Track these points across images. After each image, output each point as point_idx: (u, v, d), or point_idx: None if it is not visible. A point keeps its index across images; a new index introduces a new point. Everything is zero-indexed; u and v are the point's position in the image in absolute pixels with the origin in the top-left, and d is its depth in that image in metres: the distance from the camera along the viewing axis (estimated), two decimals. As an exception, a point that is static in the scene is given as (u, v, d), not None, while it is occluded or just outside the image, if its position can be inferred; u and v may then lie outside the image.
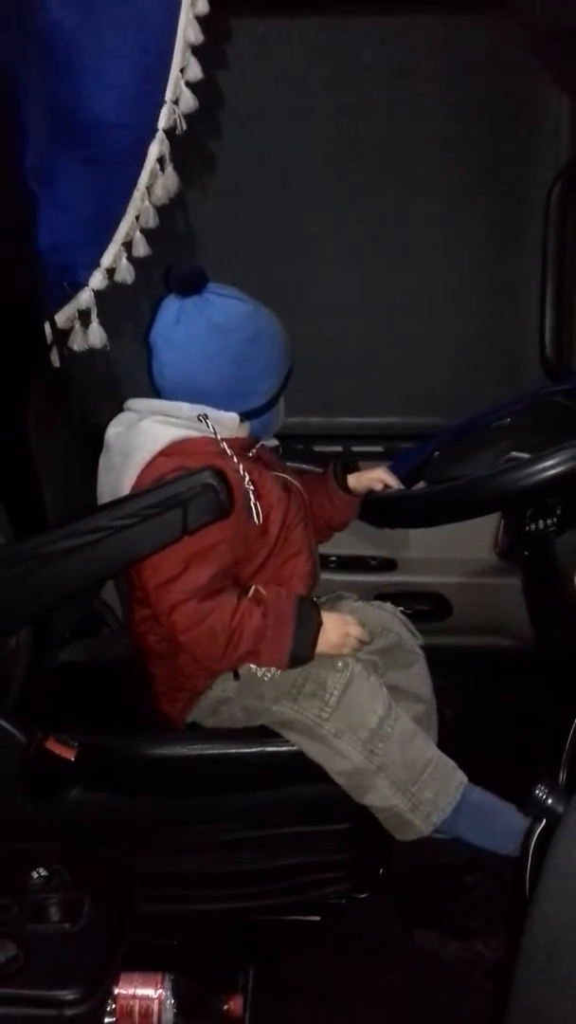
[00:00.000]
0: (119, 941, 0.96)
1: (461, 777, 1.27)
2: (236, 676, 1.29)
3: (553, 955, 0.74)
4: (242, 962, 1.38)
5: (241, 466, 1.27)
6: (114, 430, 1.33)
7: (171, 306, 1.31)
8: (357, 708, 1.24)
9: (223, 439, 1.28)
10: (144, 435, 1.28)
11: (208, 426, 1.28)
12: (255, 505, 1.27)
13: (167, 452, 1.25)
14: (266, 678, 1.27)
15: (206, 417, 1.28)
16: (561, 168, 1.81)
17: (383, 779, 1.24)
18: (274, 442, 1.49)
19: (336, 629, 1.26)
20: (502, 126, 1.85)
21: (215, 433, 1.28)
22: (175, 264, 1.32)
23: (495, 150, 1.86)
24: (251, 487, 1.28)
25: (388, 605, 1.46)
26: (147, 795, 1.32)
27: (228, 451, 1.27)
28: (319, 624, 1.24)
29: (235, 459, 1.27)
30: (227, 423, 1.29)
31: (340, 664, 1.25)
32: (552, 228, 1.81)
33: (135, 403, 1.35)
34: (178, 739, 1.32)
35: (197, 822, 1.35)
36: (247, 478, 1.27)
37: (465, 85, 1.83)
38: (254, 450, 1.37)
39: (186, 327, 1.29)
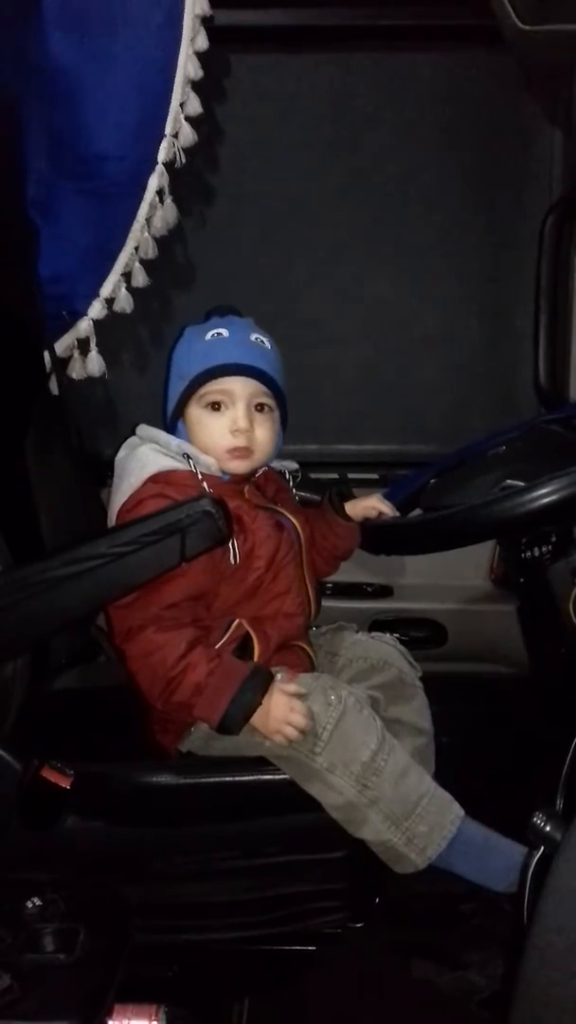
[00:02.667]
0: (114, 972, 0.96)
1: (457, 811, 1.25)
2: None
3: (552, 983, 0.74)
4: (237, 993, 1.37)
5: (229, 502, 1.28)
6: (120, 453, 1.35)
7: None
8: (350, 742, 1.22)
9: (203, 475, 1.29)
10: (138, 461, 1.30)
11: (190, 463, 1.29)
12: (232, 544, 1.27)
13: (155, 479, 1.27)
14: None
15: (187, 457, 1.30)
16: (554, 200, 1.84)
17: (376, 813, 1.22)
18: (293, 466, 1.47)
19: (278, 713, 1.21)
20: (496, 159, 1.88)
21: (195, 469, 1.29)
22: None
23: (490, 183, 1.89)
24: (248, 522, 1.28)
25: (389, 637, 1.45)
26: (142, 823, 1.31)
27: (207, 488, 1.28)
28: (258, 703, 1.20)
29: (211, 492, 1.28)
30: (205, 462, 1.31)
31: (333, 698, 1.24)
32: (545, 259, 1.83)
33: (141, 430, 1.36)
34: (174, 767, 1.31)
35: (192, 851, 1.34)
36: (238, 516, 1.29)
37: (461, 119, 1.86)
38: (249, 484, 1.37)
39: None
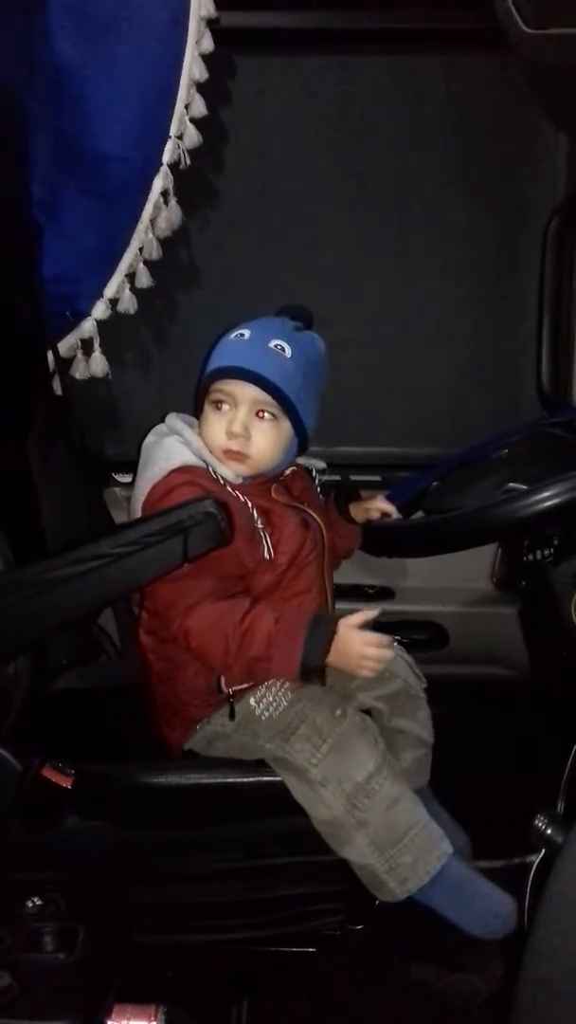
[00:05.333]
0: (114, 972, 0.96)
1: (446, 848, 1.24)
2: (232, 715, 1.28)
3: (553, 986, 0.74)
4: (237, 994, 1.37)
5: (249, 502, 1.29)
6: (148, 439, 1.35)
7: None
8: (348, 759, 1.22)
9: (224, 479, 1.29)
10: (164, 451, 1.29)
11: (206, 465, 1.29)
12: (266, 541, 1.28)
13: (181, 471, 1.26)
14: (263, 717, 1.26)
15: (206, 462, 1.29)
16: (559, 203, 1.84)
17: (362, 836, 1.22)
18: (320, 465, 1.46)
19: (352, 648, 1.21)
20: (501, 162, 1.88)
21: (214, 473, 1.29)
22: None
23: (494, 185, 1.89)
24: (259, 522, 1.28)
25: (396, 647, 1.46)
26: (143, 824, 1.32)
27: (229, 487, 1.28)
28: (333, 633, 1.21)
29: (239, 494, 1.29)
30: (223, 471, 1.30)
31: (339, 712, 1.24)
32: (549, 262, 1.83)
33: (170, 419, 1.36)
34: (175, 768, 1.31)
35: (193, 851, 1.34)
36: (255, 513, 1.29)
37: (465, 121, 1.86)
38: (276, 483, 1.36)
39: None
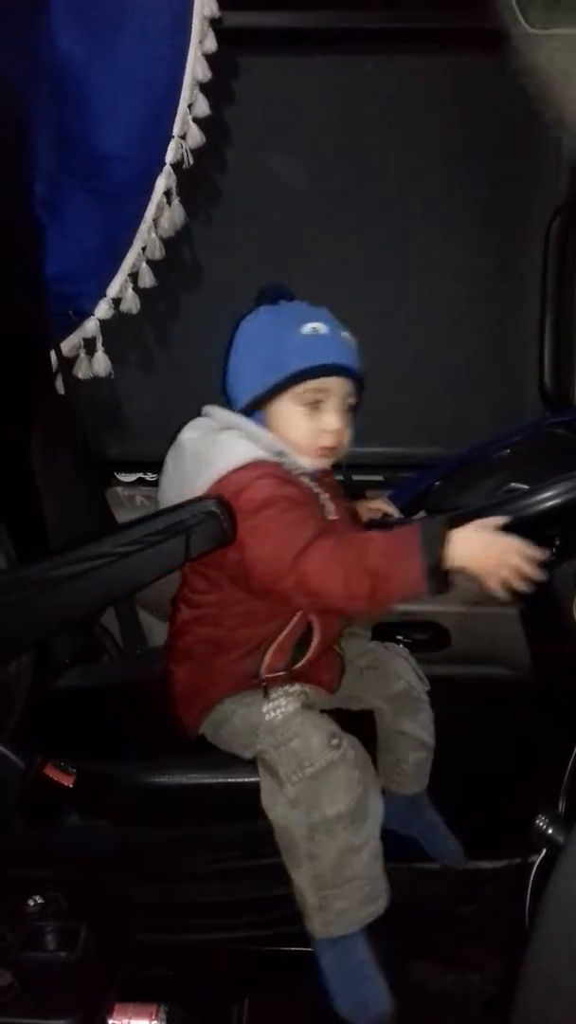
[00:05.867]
0: (115, 970, 0.96)
1: (375, 911, 1.21)
2: (266, 695, 1.26)
3: (554, 984, 0.74)
4: (237, 993, 1.37)
5: (321, 494, 1.30)
6: (190, 434, 1.30)
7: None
8: (325, 792, 1.19)
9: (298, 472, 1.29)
10: (220, 447, 1.25)
11: (282, 460, 1.26)
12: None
13: (255, 466, 1.22)
14: (267, 716, 1.25)
15: (280, 454, 1.26)
16: (560, 203, 1.84)
17: (308, 867, 1.20)
18: None
19: (492, 547, 1.11)
20: (502, 161, 1.88)
21: (289, 467, 1.27)
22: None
23: (495, 185, 1.90)
24: (330, 511, 1.29)
25: (400, 648, 1.45)
26: (145, 823, 1.32)
27: (302, 478, 1.29)
28: (446, 529, 1.13)
29: (312, 485, 1.29)
30: (299, 462, 1.28)
31: (335, 741, 1.21)
32: (551, 261, 1.84)
33: (218, 413, 1.31)
34: (176, 767, 1.31)
35: (194, 850, 1.34)
36: (327, 507, 1.29)
37: (466, 121, 1.87)
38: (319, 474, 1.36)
39: None
